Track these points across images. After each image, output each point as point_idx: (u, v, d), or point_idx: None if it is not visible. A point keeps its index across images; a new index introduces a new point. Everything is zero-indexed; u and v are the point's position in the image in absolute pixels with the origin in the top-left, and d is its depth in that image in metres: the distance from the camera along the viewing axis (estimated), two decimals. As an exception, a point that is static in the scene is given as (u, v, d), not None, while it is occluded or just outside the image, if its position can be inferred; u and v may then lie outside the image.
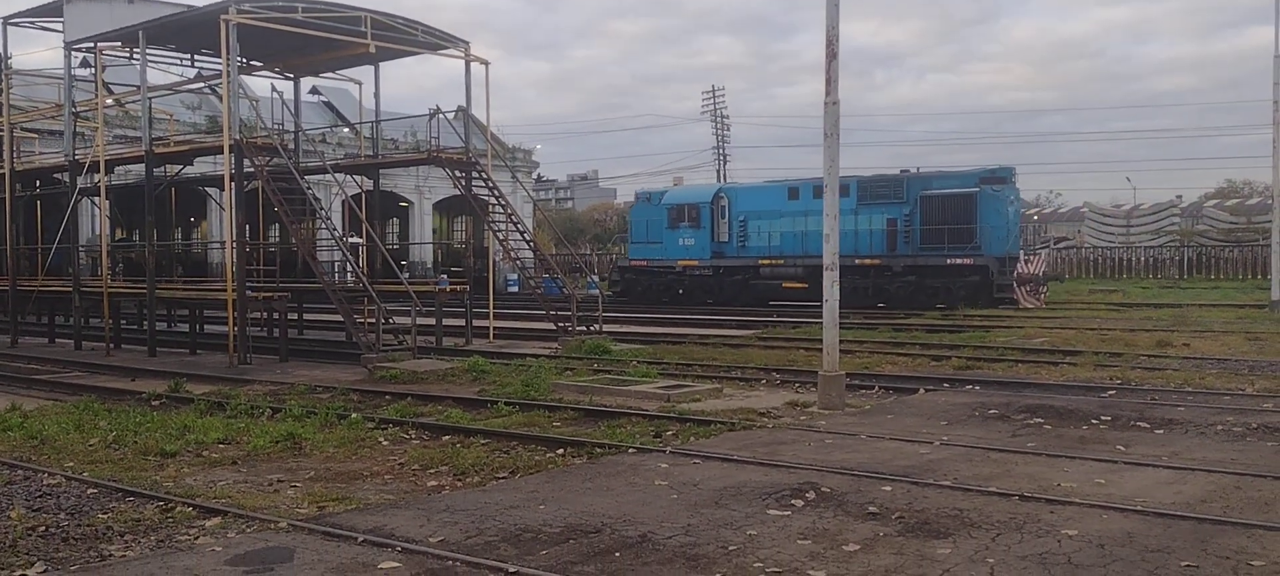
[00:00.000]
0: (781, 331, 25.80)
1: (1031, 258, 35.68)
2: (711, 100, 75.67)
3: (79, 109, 26.73)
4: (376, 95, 26.69)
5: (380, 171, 28.70)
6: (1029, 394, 14.07)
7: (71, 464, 10.74)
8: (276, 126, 26.52)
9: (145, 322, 25.15)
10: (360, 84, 27.99)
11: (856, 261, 33.04)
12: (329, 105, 54.16)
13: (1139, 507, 7.80)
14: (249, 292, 22.22)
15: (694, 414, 13.08)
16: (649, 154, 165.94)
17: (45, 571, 6.98)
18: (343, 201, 30.40)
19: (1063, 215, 73.41)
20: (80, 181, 25.56)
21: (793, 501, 8.17)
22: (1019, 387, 15.10)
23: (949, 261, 32.69)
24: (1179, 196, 64.00)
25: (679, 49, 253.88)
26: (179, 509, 8.57)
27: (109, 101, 28.56)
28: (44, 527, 8.11)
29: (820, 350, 14.14)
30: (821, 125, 13.70)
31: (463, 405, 14.59)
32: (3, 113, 27.30)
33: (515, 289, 44.06)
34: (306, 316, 28.21)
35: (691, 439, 11.38)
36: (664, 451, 10.45)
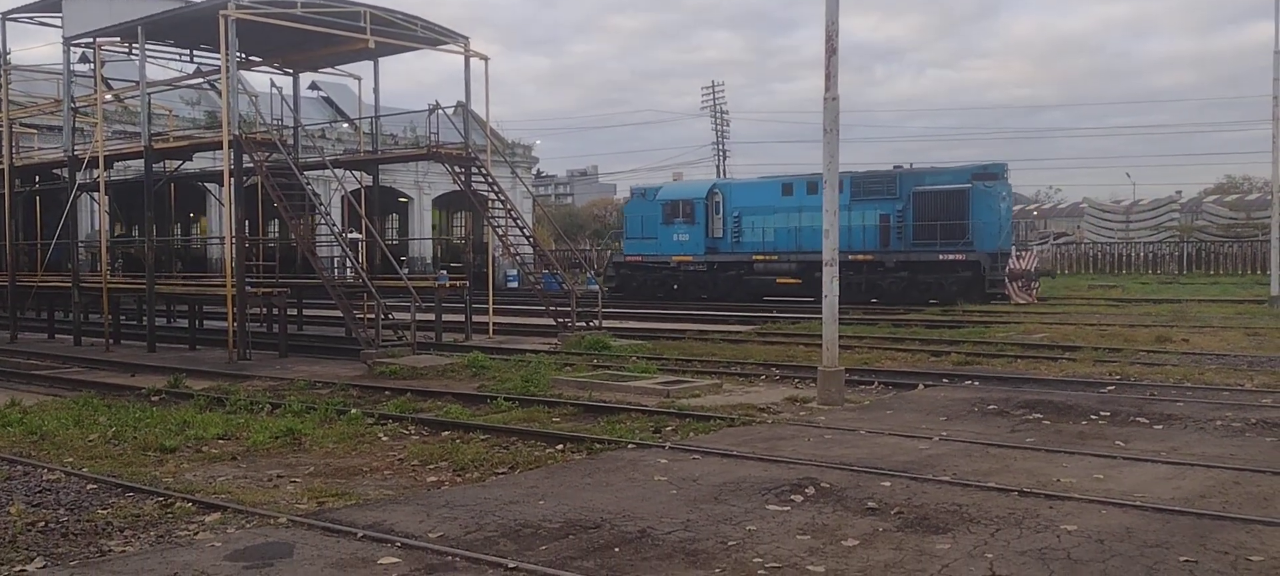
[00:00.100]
0: (781, 326, 25.80)
1: (1023, 253, 35.89)
2: (711, 95, 75.68)
3: (78, 104, 26.71)
4: (376, 91, 26.68)
5: (379, 167, 28.69)
6: (1028, 389, 14.07)
7: (71, 459, 10.74)
8: (276, 122, 26.52)
9: (145, 318, 25.16)
10: (360, 79, 27.98)
11: (849, 257, 33.05)
12: (328, 100, 54.14)
13: (1138, 503, 7.81)
14: (248, 288, 22.22)
15: (693, 409, 13.08)
16: (648, 149, 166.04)
17: (45, 567, 6.97)
18: (342, 197, 30.41)
19: (1062, 211, 73.44)
20: (79, 177, 25.53)
21: (792, 497, 8.18)
22: (1018, 383, 15.11)
23: (941, 257, 32.79)
24: (1178, 192, 64.07)
25: (678, 44, 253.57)
26: (178, 504, 8.57)
27: (108, 97, 28.56)
28: (43, 523, 8.10)
29: (820, 345, 14.14)
30: (821, 121, 13.70)
31: (462, 401, 14.60)
32: (2, 108, 27.27)
33: (515, 285, 44.07)
34: (306, 312, 28.20)
35: (691, 434, 11.38)
36: (663, 447, 10.45)
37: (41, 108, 30.89)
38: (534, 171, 72.50)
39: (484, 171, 25.02)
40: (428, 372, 17.78)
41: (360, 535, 7.25)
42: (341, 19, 22.29)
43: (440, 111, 24.73)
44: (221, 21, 20.48)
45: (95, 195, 28.35)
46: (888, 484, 8.55)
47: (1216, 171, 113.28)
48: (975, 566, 6.40)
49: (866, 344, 20.94)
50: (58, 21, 25.28)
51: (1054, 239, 57.96)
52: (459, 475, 9.89)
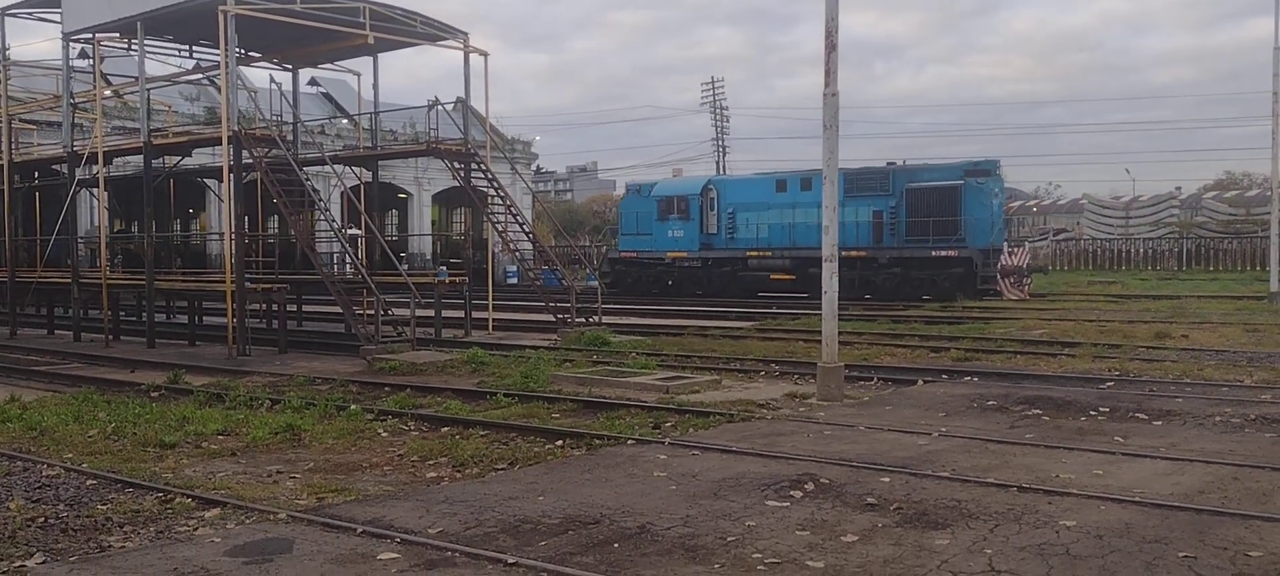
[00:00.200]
0: (780, 322, 25.80)
1: (1015, 249, 36.00)
2: (711, 92, 75.67)
3: (77, 100, 26.67)
4: (375, 87, 26.65)
5: (379, 163, 28.67)
6: (1027, 385, 14.08)
7: (70, 455, 10.74)
8: (275, 118, 26.49)
9: (144, 314, 25.15)
10: (359, 75, 27.98)
11: (843, 253, 32.94)
12: (327, 96, 54.14)
13: (1137, 498, 7.81)
14: (248, 284, 22.22)
15: (693, 405, 13.08)
16: (648, 145, 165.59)
17: (44, 562, 6.97)
18: (341, 193, 30.42)
19: (1062, 207, 73.34)
20: (78, 173, 25.52)
21: (791, 492, 8.18)
22: (1017, 379, 15.11)
23: (934, 253, 32.87)
24: (1178, 188, 63.96)
25: (678, 40, 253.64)
26: (178, 500, 8.58)
27: (107, 92, 28.54)
28: (43, 518, 8.10)
29: (819, 342, 14.15)
30: (821, 117, 13.70)
31: (462, 397, 14.61)
32: (1, 104, 27.25)
33: (514, 281, 44.05)
34: (305, 308, 28.20)
35: (690, 430, 11.39)
36: (663, 443, 10.46)
37: (41, 103, 30.88)
38: (533, 167, 72.51)
39: (483, 167, 25.01)
40: (427, 368, 17.78)
41: (360, 531, 7.25)
42: (341, 15, 22.27)
43: (440, 107, 24.73)
44: (221, 16, 20.45)
45: (94, 191, 28.30)
46: (887, 479, 8.56)
47: (1216, 167, 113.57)
48: (974, 562, 6.40)
49: (865, 340, 20.95)
50: (57, 17, 25.25)
51: (1054, 235, 57.93)
52: (458, 471, 9.90)
